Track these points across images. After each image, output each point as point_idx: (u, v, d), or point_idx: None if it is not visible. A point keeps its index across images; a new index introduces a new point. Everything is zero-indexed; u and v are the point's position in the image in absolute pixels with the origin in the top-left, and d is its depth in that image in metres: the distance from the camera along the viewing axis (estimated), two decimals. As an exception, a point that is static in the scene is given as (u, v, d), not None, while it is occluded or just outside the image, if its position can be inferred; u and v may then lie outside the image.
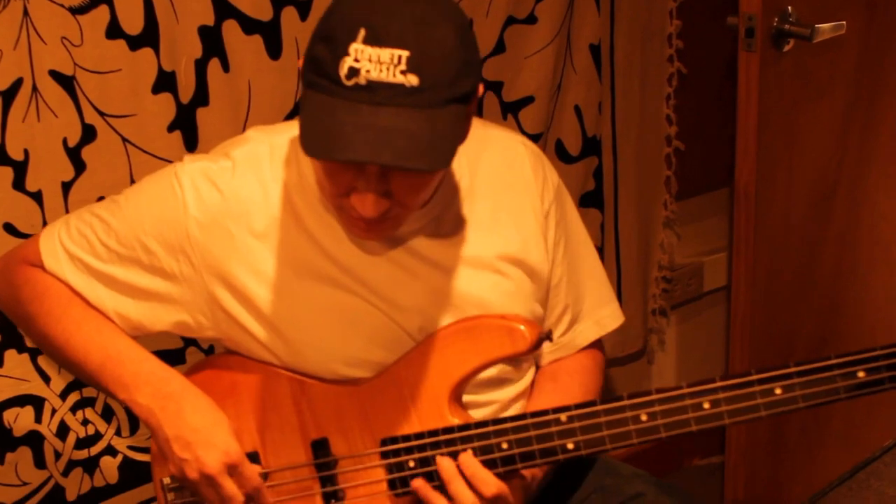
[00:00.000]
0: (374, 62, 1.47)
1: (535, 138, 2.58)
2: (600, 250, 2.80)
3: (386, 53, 1.47)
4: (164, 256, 1.73)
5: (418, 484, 1.69)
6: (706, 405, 1.63)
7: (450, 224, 1.77)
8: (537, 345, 1.71)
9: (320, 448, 1.76)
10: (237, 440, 1.71)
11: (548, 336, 1.73)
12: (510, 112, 2.56)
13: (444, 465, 1.68)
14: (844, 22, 2.41)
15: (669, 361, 3.15)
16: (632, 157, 2.80)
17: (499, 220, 1.80)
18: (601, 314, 1.95)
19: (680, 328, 3.15)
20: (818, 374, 1.60)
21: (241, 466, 1.70)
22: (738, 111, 2.41)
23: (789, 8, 2.34)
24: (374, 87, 1.47)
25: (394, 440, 1.72)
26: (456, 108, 1.53)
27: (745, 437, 2.70)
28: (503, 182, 1.82)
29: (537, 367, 1.92)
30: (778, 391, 1.61)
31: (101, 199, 2.02)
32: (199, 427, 1.69)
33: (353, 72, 1.47)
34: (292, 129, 1.70)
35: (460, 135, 1.57)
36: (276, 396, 1.77)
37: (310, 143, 1.49)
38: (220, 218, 1.71)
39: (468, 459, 1.67)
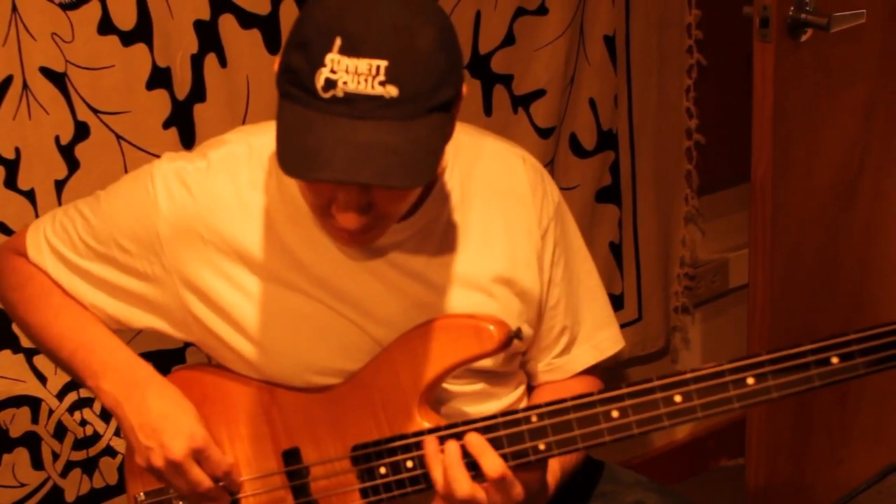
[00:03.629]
0: (352, 73, 1.40)
1: (547, 132, 2.53)
2: (618, 247, 2.75)
3: (364, 64, 1.40)
4: (137, 256, 1.70)
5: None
6: (677, 398, 1.56)
7: (437, 237, 1.71)
8: (506, 344, 1.65)
9: (292, 458, 1.72)
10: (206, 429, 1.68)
11: (517, 335, 1.67)
12: (521, 105, 2.50)
13: (451, 449, 1.60)
14: (864, 10, 2.33)
15: (694, 360, 3.09)
16: (650, 151, 2.75)
17: (489, 235, 1.74)
18: (600, 337, 1.88)
19: (705, 326, 3.10)
20: (791, 362, 1.53)
21: (208, 451, 1.66)
22: (754, 104, 2.35)
23: (807, -4, 2.28)
24: (352, 99, 1.41)
25: (364, 446, 1.68)
26: (438, 117, 1.47)
27: (766, 437, 2.64)
28: (497, 196, 1.75)
29: (530, 387, 1.87)
30: (750, 381, 1.54)
31: (95, 197, 2.00)
32: (164, 414, 1.66)
33: (330, 84, 1.41)
34: (273, 129, 1.64)
35: (442, 144, 1.51)
36: (246, 407, 1.74)
37: (287, 160, 1.43)
38: (191, 220, 1.67)
39: (475, 439, 1.59)
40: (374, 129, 1.41)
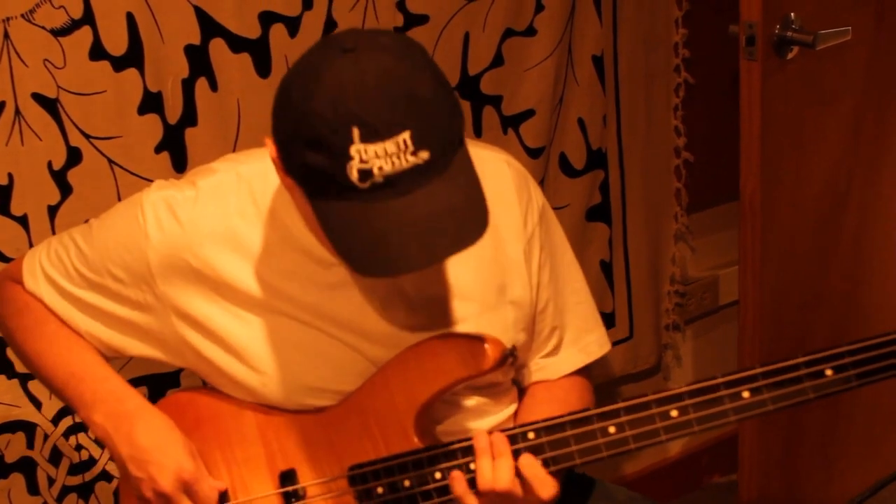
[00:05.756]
0: (383, 157, 1.39)
1: (537, 152, 2.55)
2: (608, 265, 2.76)
3: (391, 145, 1.39)
4: (129, 285, 1.71)
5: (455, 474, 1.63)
6: (674, 413, 1.58)
7: None
8: (501, 362, 1.66)
9: (288, 479, 1.73)
10: (196, 460, 1.70)
11: (511, 353, 1.68)
12: (510, 126, 2.52)
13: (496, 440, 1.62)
14: (850, 27, 2.35)
15: (686, 377, 3.09)
16: (639, 169, 2.76)
17: (479, 245, 1.73)
18: (586, 340, 1.89)
19: (696, 343, 3.10)
20: (785, 375, 1.56)
21: (197, 484, 1.68)
22: (742, 121, 2.35)
23: (792, 15, 2.28)
24: (392, 181, 1.41)
25: (360, 466, 1.69)
26: (461, 151, 1.48)
27: (759, 452, 2.64)
28: None
29: (521, 396, 1.87)
30: (746, 394, 1.57)
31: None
32: (151, 446, 1.68)
33: (366, 174, 1.40)
34: (261, 157, 1.64)
35: (474, 170, 1.50)
36: (242, 430, 1.75)
37: (359, 262, 1.43)
38: (180, 250, 1.68)
39: (529, 460, 1.61)
40: (424, 198, 1.42)
